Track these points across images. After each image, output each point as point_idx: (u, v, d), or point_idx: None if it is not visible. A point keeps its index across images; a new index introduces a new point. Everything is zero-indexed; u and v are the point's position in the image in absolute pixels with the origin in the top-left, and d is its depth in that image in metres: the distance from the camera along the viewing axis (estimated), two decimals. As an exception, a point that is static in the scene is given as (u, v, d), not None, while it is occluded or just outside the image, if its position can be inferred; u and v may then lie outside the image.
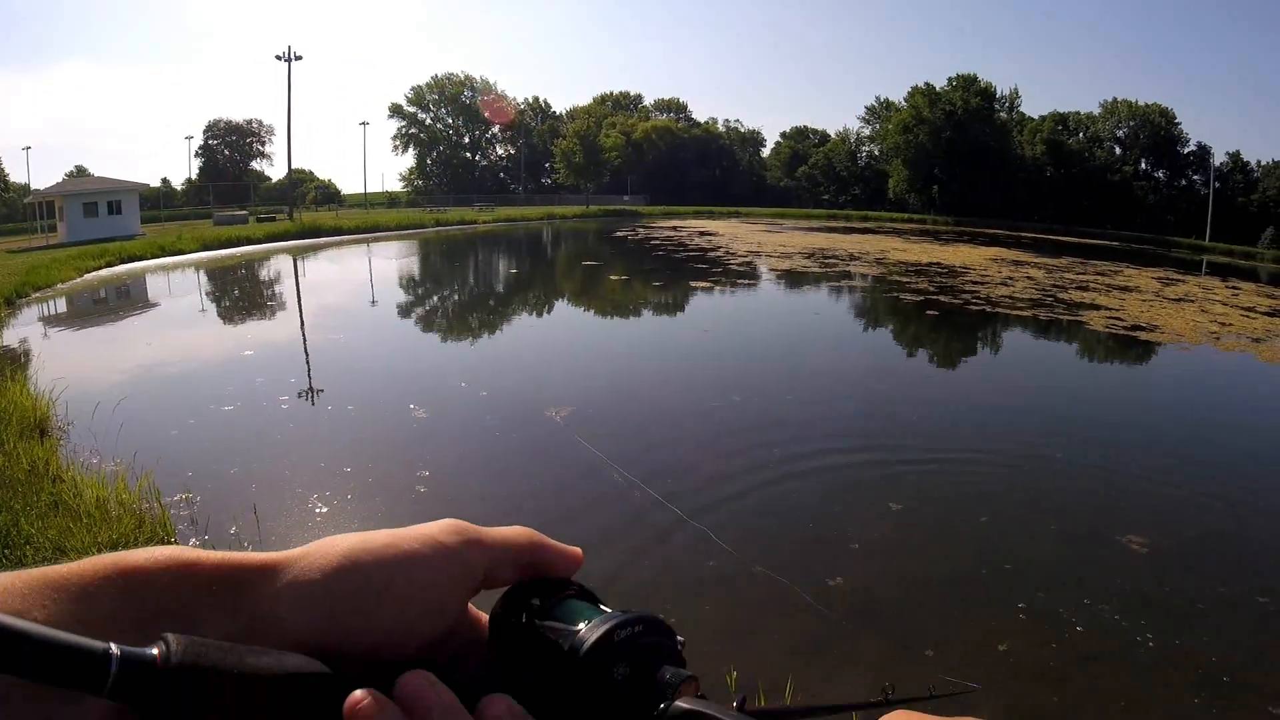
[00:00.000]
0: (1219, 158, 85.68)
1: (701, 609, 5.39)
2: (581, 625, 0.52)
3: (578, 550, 0.61)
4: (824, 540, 6.55)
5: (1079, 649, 5.08)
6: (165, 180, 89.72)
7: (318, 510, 6.76)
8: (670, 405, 10.51)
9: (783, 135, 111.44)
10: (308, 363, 12.87)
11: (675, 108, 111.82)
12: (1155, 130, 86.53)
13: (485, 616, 0.58)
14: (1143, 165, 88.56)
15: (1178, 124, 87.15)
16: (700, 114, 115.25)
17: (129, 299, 21.95)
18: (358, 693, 0.45)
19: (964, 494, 7.79)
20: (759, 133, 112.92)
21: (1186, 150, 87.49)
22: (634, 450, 8.59)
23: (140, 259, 29.04)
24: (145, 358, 12.89)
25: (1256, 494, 8.32)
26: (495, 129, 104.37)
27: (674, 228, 52.12)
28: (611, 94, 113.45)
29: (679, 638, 0.55)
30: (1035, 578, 6.06)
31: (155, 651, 0.39)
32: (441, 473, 7.79)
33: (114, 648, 0.38)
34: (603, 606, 0.57)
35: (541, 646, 0.53)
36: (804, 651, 4.98)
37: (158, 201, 66.52)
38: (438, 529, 0.56)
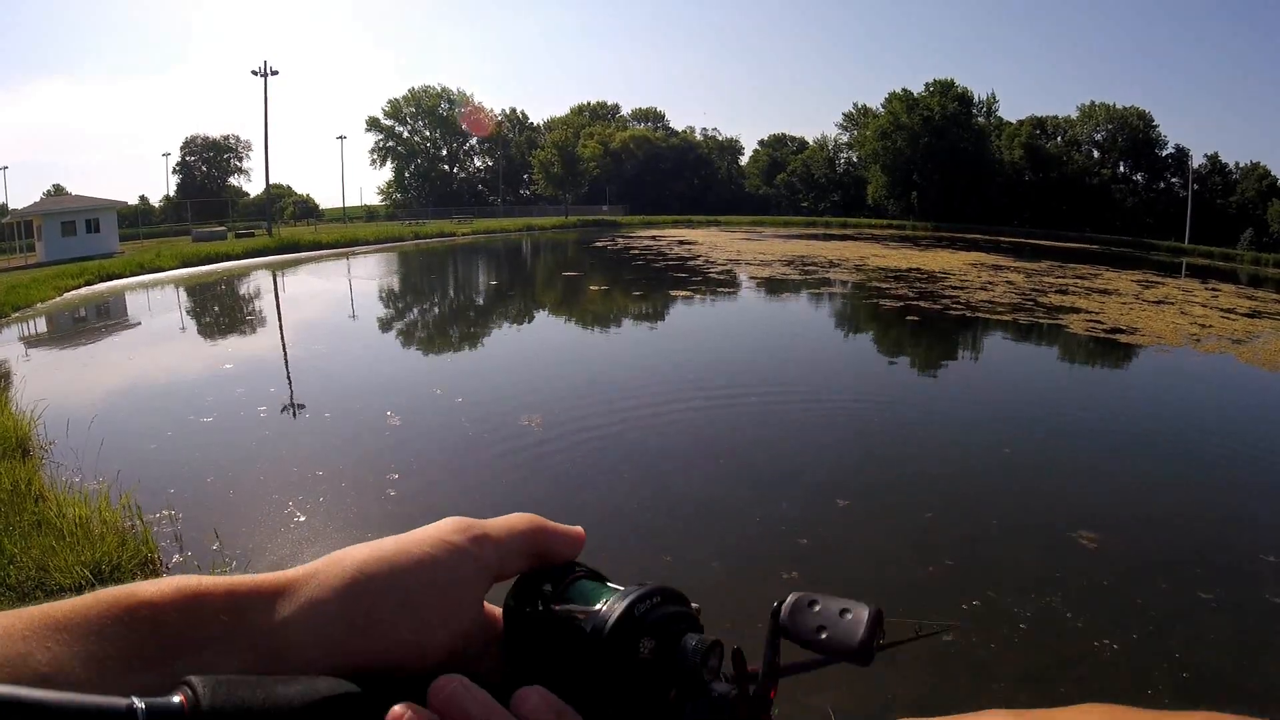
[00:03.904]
0: (1197, 160, 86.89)
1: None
2: (600, 604, 0.52)
3: (580, 530, 0.61)
4: (775, 524, 6.59)
5: (1028, 646, 5.12)
6: (143, 198, 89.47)
7: (296, 518, 6.75)
8: (647, 414, 10.52)
9: (761, 143, 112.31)
10: (287, 374, 12.88)
11: (653, 117, 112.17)
12: (1133, 133, 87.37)
13: (499, 610, 0.58)
14: (1121, 168, 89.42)
15: (1156, 127, 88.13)
16: (678, 123, 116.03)
17: (109, 317, 21.78)
18: (396, 708, 0.43)
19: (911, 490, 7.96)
20: (737, 141, 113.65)
21: (1165, 153, 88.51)
22: (610, 457, 8.67)
23: (119, 277, 28.83)
24: (126, 375, 12.84)
25: (1226, 492, 8.45)
26: (473, 141, 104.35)
27: (653, 237, 52.26)
28: (589, 104, 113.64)
29: (694, 605, 0.55)
30: (982, 575, 6.12)
31: (180, 699, 0.38)
32: (412, 476, 7.88)
33: (138, 702, 0.36)
34: (610, 584, 0.56)
35: (562, 631, 0.52)
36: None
37: (136, 219, 65.98)
38: (445, 529, 0.55)
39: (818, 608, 0.51)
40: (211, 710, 0.38)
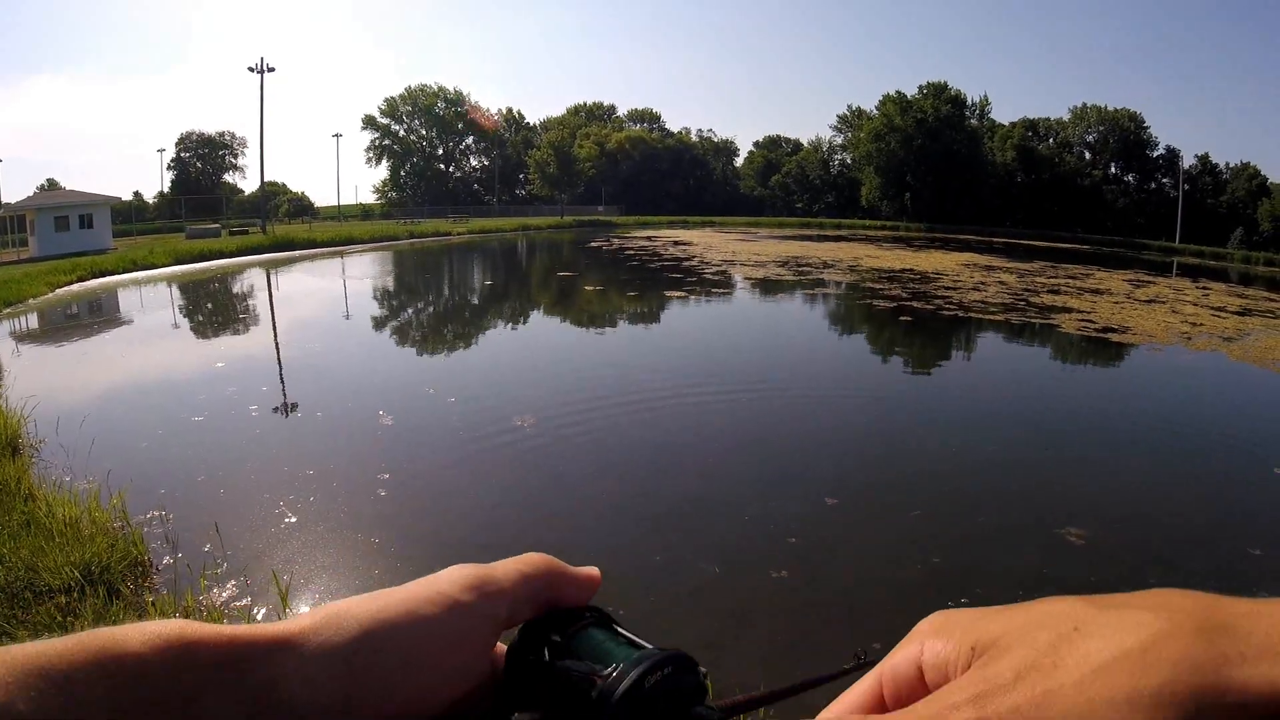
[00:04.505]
0: (1188, 160, 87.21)
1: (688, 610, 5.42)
2: (610, 669, 0.49)
3: (596, 572, 0.58)
4: (764, 522, 6.60)
5: None
6: (137, 193, 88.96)
7: (287, 518, 6.74)
8: (640, 415, 10.52)
9: (756, 144, 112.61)
10: (280, 373, 12.89)
11: (649, 118, 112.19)
12: (1124, 134, 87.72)
13: (502, 647, 0.55)
14: (1112, 169, 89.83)
15: (1147, 128, 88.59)
16: (674, 124, 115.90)
17: (101, 314, 21.72)
18: None
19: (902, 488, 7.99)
20: (732, 142, 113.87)
21: (1156, 154, 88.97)
22: (602, 457, 8.68)
23: (112, 273, 28.70)
24: (117, 373, 12.80)
25: (1214, 488, 8.53)
26: (469, 140, 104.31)
27: (648, 238, 52.27)
28: (585, 104, 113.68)
29: (702, 670, 0.52)
30: (970, 573, 6.15)
31: None
32: (402, 476, 7.87)
33: None
34: (619, 630, 0.54)
35: (567, 690, 0.50)
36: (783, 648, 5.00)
37: (130, 215, 65.72)
38: (453, 584, 0.52)
39: None
40: None
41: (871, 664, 0.55)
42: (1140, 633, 0.38)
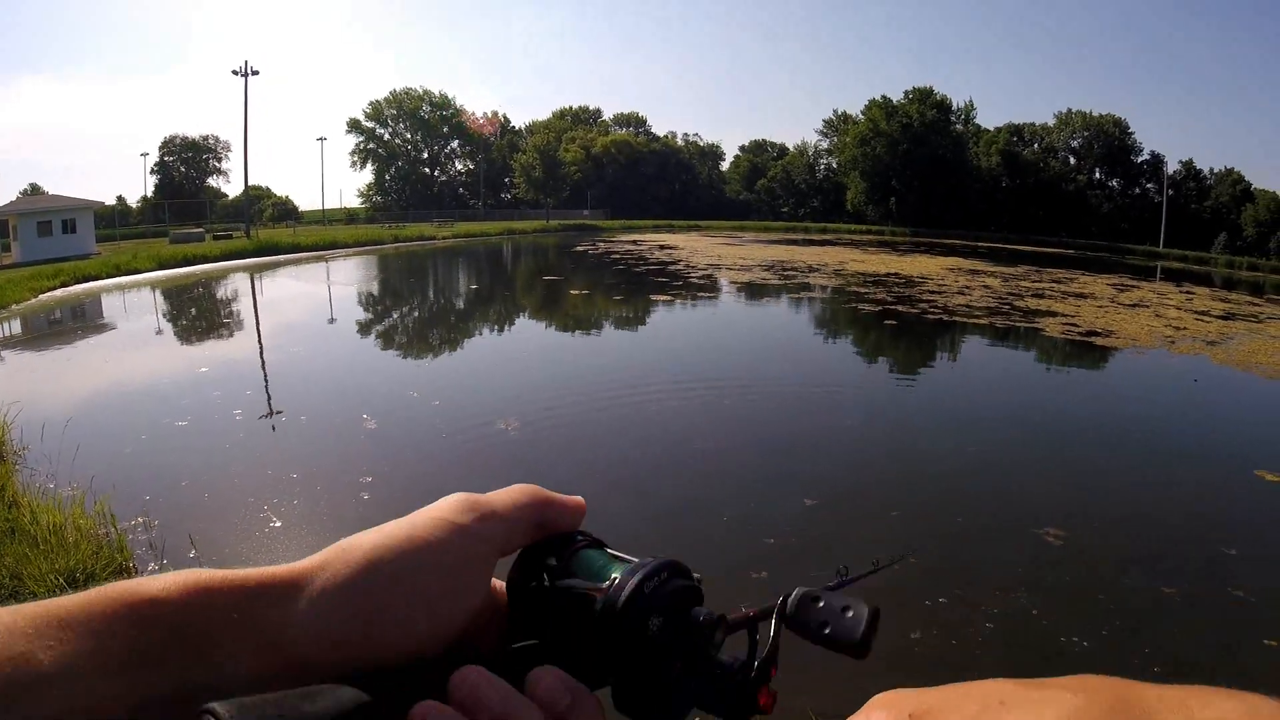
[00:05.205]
0: (1172, 166, 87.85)
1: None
2: (607, 581, 0.52)
3: (580, 500, 0.62)
4: (742, 523, 6.62)
5: (996, 643, 5.16)
6: (121, 198, 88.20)
7: (271, 523, 6.75)
8: (625, 419, 10.52)
9: (741, 149, 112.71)
10: (264, 377, 12.89)
11: (634, 122, 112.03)
12: (1109, 140, 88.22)
13: (502, 584, 0.58)
14: (1097, 174, 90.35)
15: (1131, 133, 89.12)
16: (659, 128, 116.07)
17: (85, 319, 21.59)
18: (418, 708, 0.44)
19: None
20: (718, 146, 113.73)
21: (1140, 159, 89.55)
22: (586, 460, 8.69)
23: (96, 279, 28.47)
24: (101, 379, 12.71)
25: (1192, 488, 8.65)
26: (455, 144, 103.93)
27: (634, 242, 52.22)
28: (571, 108, 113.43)
29: (696, 575, 0.56)
30: (949, 573, 6.19)
31: None
32: (385, 479, 7.90)
33: None
34: (611, 552, 0.57)
35: (571, 607, 0.53)
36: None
37: (113, 220, 65.14)
38: (449, 509, 0.55)
39: (821, 604, 0.52)
40: None
41: (854, 580, 0.63)
42: (1056, 709, 0.39)
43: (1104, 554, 6.68)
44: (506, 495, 0.58)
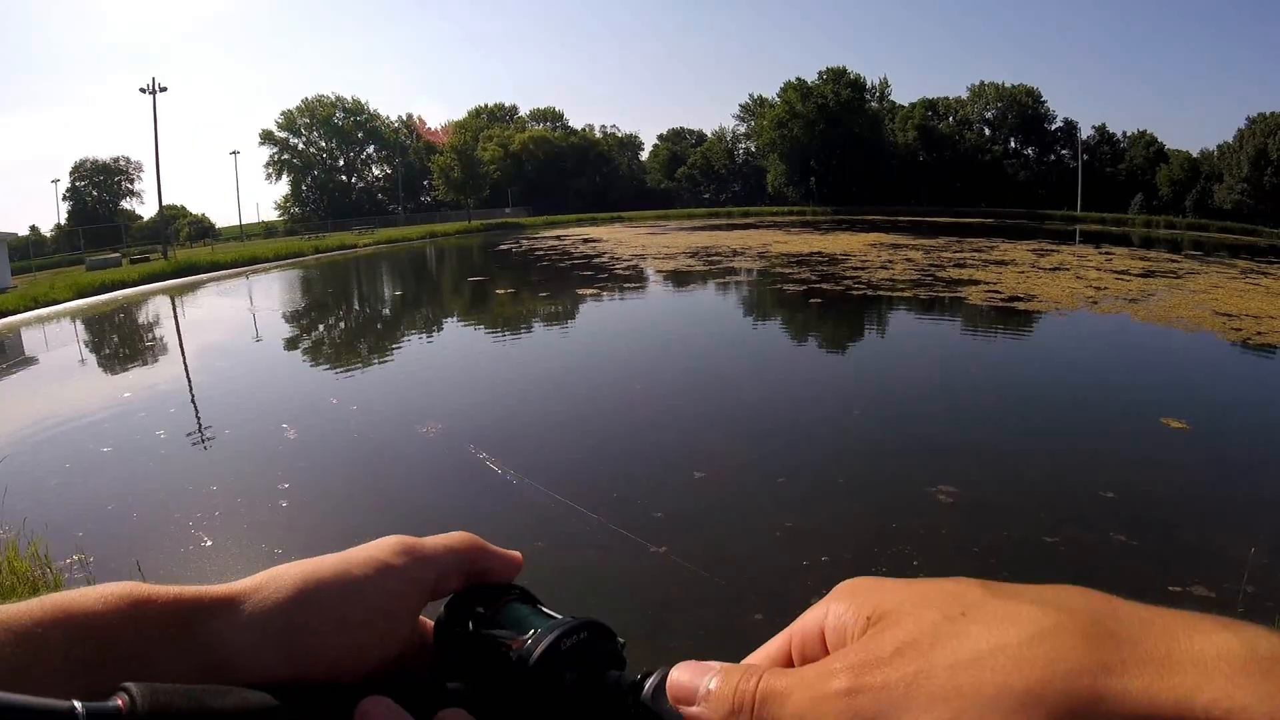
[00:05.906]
0: (1085, 131, 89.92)
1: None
2: (528, 635, 0.53)
3: (518, 554, 0.62)
4: (632, 499, 6.38)
5: None
6: (34, 227, 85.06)
7: (203, 542, 6.71)
8: (558, 419, 10.29)
9: (660, 137, 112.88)
10: (190, 397, 12.64)
11: (552, 116, 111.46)
12: (1023, 109, 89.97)
13: (430, 622, 0.59)
14: (1012, 144, 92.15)
15: (1044, 102, 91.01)
16: (577, 121, 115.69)
17: (5, 355, 20.57)
18: None
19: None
20: (637, 136, 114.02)
21: (1054, 126, 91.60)
22: (507, 459, 8.37)
23: (13, 313, 27.09)
24: (24, 414, 12.10)
25: (1087, 440, 8.93)
26: (370, 149, 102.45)
27: (557, 237, 51.83)
28: (486, 106, 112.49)
29: (620, 640, 0.56)
30: (831, 534, 6.43)
31: (119, 703, 0.38)
32: (302, 485, 7.99)
33: (78, 705, 0.36)
34: (543, 609, 0.58)
35: (490, 656, 0.54)
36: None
37: (27, 250, 62.68)
38: (383, 550, 0.56)
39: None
40: (147, 715, 0.38)
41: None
42: (1023, 627, 0.37)
43: (991, 509, 6.88)
44: (443, 541, 0.59)
